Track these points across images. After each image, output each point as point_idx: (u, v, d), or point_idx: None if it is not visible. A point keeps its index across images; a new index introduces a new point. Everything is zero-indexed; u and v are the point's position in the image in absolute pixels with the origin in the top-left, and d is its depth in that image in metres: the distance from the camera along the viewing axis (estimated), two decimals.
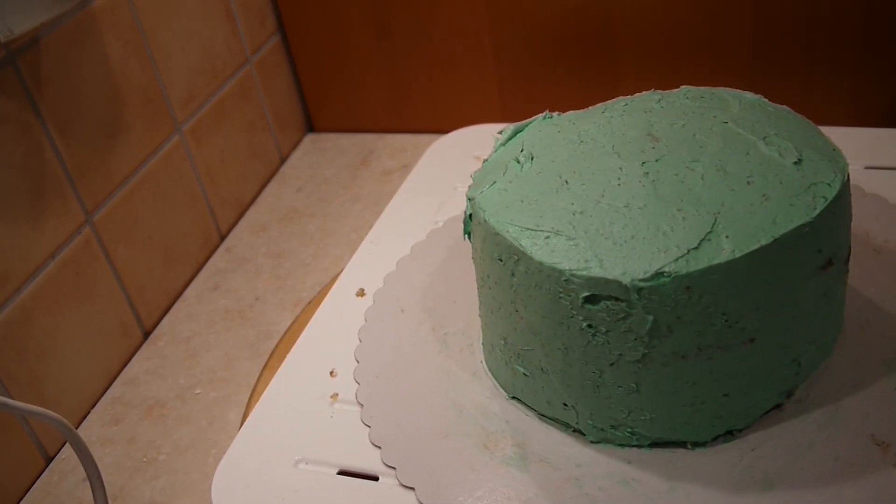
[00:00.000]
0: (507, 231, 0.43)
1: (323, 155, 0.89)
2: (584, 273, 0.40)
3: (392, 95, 0.87)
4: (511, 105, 0.84)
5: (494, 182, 0.47)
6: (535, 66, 0.80)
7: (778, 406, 0.45)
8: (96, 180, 0.64)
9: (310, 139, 0.92)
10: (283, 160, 0.89)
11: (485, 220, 0.45)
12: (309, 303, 0.70)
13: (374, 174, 0.84)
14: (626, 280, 0.39)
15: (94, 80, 0.63)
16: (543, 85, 0.81)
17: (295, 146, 0.91)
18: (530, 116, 0.52)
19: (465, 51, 0.82)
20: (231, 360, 0.66)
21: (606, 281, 0.40)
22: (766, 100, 0.49)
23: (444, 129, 0.79)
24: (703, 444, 0.44)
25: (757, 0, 0.71)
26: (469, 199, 0.48)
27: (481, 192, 0.47)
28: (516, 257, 0.43)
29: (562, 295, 0.41)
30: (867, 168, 0.60)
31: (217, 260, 0.77)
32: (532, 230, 0.43)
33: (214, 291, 0.73)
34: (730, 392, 0.43)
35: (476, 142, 0.71)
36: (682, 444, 0.45)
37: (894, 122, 0.73)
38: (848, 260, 0.45)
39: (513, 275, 0.43)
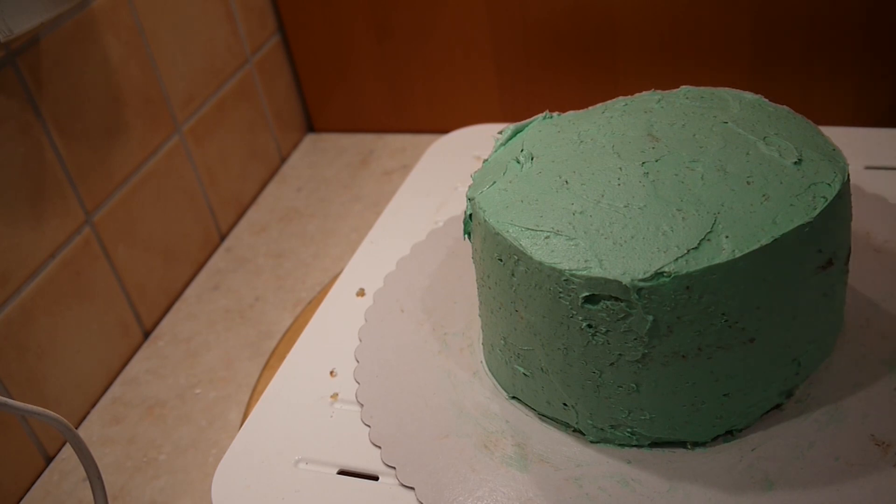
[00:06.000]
0: (507, 231, 0.43)
1: (323, 155, 0.89)
2: (584, 273, 0.40)
3: (392, 95, 0.87)
4: (511, 105, 0.84)
5: (494, 182, 0.47)
6: (535, 66, 0.80)
7: (778, 406, 0.45)
8: (96, 180, 0.64)
9: (310, 139, 0.92)
10: (283, 160, 0.89)
11: (485, 220, 0.45)
12: (309, 303, 0.70)
13: (374, 174, 0.84)
14: (626, 280, 0.39)
15: (94, 80, 0.63)
16: (543, 85, 0.81)
17: (295, 146, 0.91)
18: (530, 116, 0.52)
19: (465, 51, 0.82)
20: (231, 360, 0.66)
21: (606, 281, 0.40)
22: (766, 100, 0.49)
23: (444, 129, 0.79)
24: (703, 444, 0.44)
25: (757, 0, 0.71)
26: (469, 199, 0.48)
27: (481, 192, 0.47)
28: (516, 257, 0.43)
29: (562, 295, 0.41)
30: (867, 168, 0.60)
31: (217, 260, 0.77)
32: (532, 230, 0.43)
33: (214, 291, 0.73)
34: (730, 392, 0.43)
35: (476, 142, 0.71)
36: (682, 444, 0.45)
37: (894, 122, 0.73)
38: (848, 260, 0.45)
39: (513, 275, 0.43)
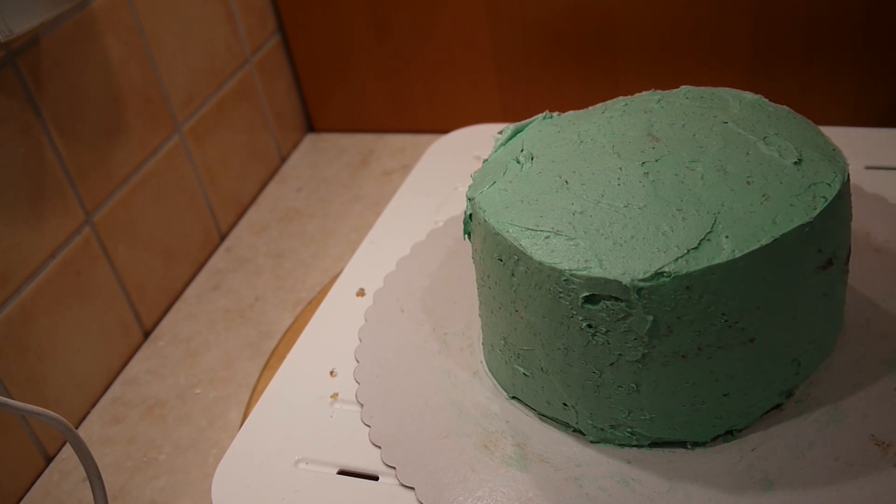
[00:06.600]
0: (507, 231, 0.43)
1: (323, 155, 0.89)
2: (584, 273, 0.40)
3: (392, 95, 0.87)
4: (511, 105, 0.84)
5: (494, 182, 0.47)
6: (535, 66, 0.80)
7: (778, 406, 0.45)
8: (96, 180, 0.64)
9: (310, 139, 0.92)
10: (283, 160, 0.89)
11: (485, 220, 0.45)
12: (309, 303, 0.70)
13: (374, 174, 0.84)
14: (626, 280, 0.39)
15: (94, 80, 0.63)
16: (543, 85, 0.81)
17: (295, 146, 0.91)
18: (530, 116, 0.52)
19: (465, 51, 0.82)
20: (231, 360, 0.66)
21: (606, 281, 0.40)
22: (766, 100, 0.49)
23: (444, 129, 0.79)
24: (703, 444, 0.44)
25: (757, 0, 0.71)
26: (469, 199, 0.48)
27: (481, 192, 0.47)
28: (516, 257, 0.43)
29: (562, 295, 0.41)
30: (867, 168, 0.60)
31: (217, 260, 0.77)
32: (532, 230, 0.43)
33: (214, 291, 0.73)
34: (730, 392, 0.43)
35: (476, 142, 0.71)
36: (682, 444, 0.45)
37: (894, 122, 0.73)
38: (848, 260, 0.45)
39: (513, 275, 0.43)
